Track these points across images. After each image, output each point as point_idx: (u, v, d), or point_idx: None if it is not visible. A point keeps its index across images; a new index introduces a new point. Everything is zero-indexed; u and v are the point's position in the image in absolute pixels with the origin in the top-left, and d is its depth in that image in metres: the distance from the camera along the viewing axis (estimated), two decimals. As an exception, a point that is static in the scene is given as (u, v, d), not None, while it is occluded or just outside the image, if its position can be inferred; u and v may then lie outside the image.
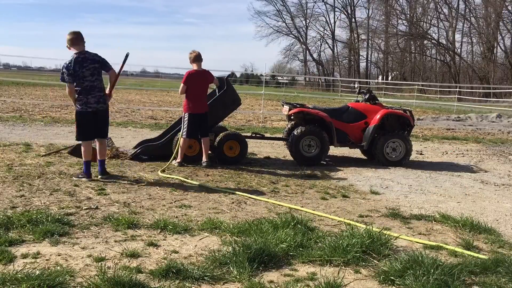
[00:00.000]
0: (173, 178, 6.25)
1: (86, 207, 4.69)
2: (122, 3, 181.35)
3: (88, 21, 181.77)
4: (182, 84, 7.04)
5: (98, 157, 6.03)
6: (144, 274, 3.21)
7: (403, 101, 28.33)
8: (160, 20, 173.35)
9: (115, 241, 3.82)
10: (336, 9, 63.41)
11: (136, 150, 7.54)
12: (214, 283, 3.16)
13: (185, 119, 7.07)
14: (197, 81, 7.03)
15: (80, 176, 5.89)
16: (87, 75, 5.86)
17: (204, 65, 7.26)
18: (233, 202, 5.24)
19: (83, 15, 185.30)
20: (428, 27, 54.86)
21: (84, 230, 4.04)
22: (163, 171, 6.59)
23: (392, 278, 3.28)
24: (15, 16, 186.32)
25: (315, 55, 67.89)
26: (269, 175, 6.80)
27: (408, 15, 56.48)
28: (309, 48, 67.11)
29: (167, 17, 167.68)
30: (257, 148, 9.35)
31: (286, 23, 65.97)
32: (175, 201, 5.13)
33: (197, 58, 7.11)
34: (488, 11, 45.85)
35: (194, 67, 7.13)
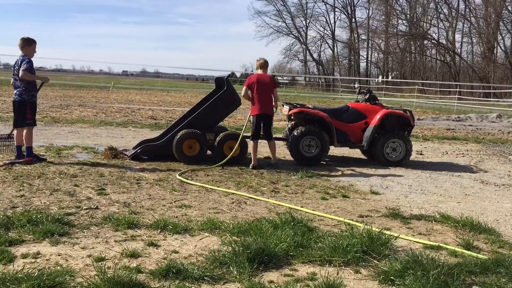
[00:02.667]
0: (193, 184, 6.24)
1: (86, 207, 4.69)
2: (110, 3, 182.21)
3: (79, 21, 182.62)
4: (244, 87, 7.34)
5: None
6: (144, 274, 3.21)
7: (403, 101, 28.33)
8: (153, 20, 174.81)
9: (115, 241, 3.82)
10: (336, 9, 63.40)
11: (136, 150, 7.54)
12: (214, 283, 3.15)
13: (251, 121, 7.39)
14: (256, 84, 7.26)
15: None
16: None
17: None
18: (233, 202, 5.24)
19: (74, 15, 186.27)
20: (428, 27, 54.86)
21: (84, 230, 4.03)
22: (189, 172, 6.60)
23: (392, 278, 3.28)
24: (7, 16, 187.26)
25: (315, 55, 67.91)
26: (269, 175, 6.80)
27: (408, 15, 56.48)
28: (309, 48, 67.11)
29: (158, 17, 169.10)
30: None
31: (286, 23, 65.97)
32: (175, 201, 5.13)
33: (261, 66, 7.45)
34: (488, 11, 45.81)
35: (259, 71, 7.46)
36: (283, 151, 9.03)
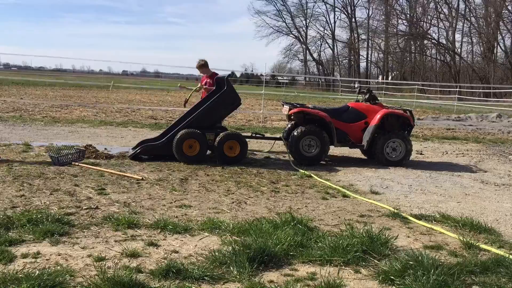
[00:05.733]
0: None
1: (86, 207, 4.69)
2: (96, 2, 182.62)
3: (70, 21, 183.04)
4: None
5: None
6: (144, 274, 3.21)
7: (403, 101, 28.33)
8: (143, 19, 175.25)
9: (115, 241, 3.82)
10: (336, 9, 63.52)
11: (136, 150, 7.54)
12: (214, 283, 3.15)
13: None
14: None
15: None
16: None
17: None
18: (233, 202, 5.24)
19: (63, 14, 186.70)
20: (428, 27, 54.90)
21: (84, 230, 4.04)
22: None
23: (392, 278, 3.28)
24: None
25: (315, 55, 67.99)
26: (269, 175, 6.80)
27: (408, 15, 56.49)
28: (309, 48, 67.21)
29: (148, 16, 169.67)
30: (257, 148, 9.35)
31: (286, 23, 66.05)
32: (175, 201, 5.13)
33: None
34: (488, 11, 45.82)
35: None
36: (283, 151, 9.03)
